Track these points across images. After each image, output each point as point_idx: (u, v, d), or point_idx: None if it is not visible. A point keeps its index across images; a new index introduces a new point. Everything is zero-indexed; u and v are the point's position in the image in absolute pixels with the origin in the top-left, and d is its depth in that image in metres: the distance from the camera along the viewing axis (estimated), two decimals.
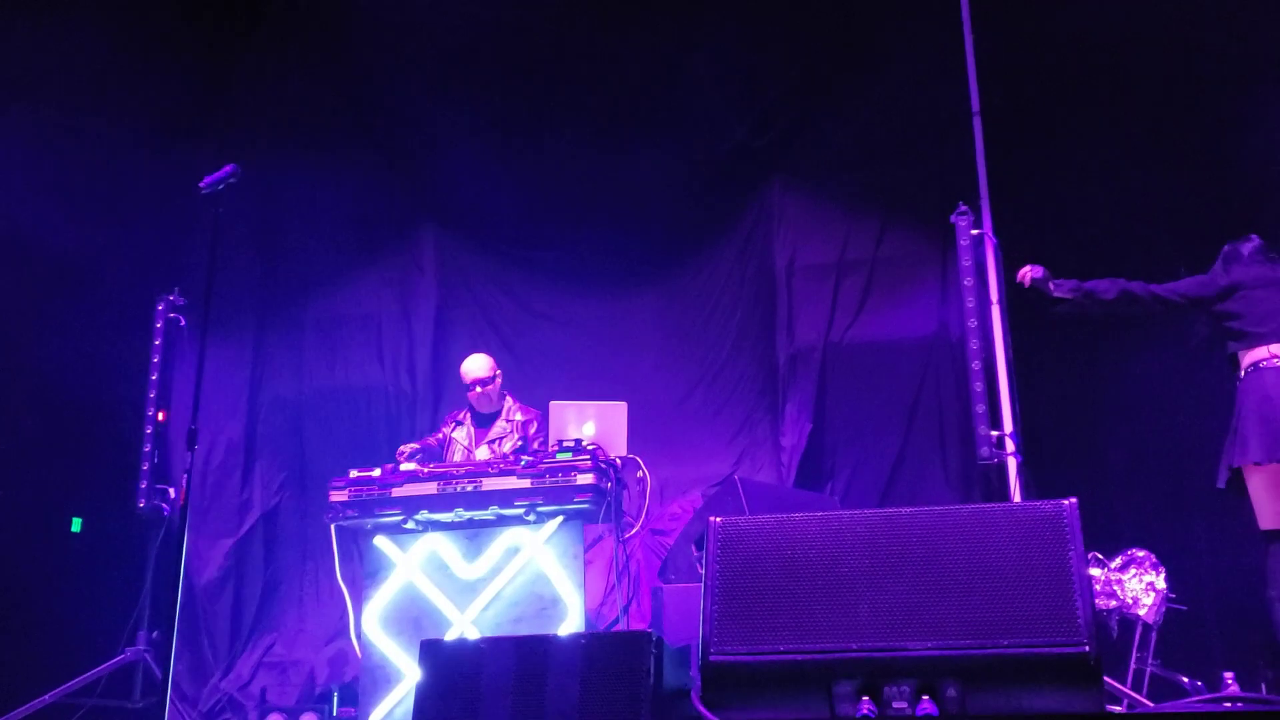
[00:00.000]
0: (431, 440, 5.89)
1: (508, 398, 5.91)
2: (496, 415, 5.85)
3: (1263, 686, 4.87)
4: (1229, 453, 4.25)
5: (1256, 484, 4.15)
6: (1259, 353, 4.26)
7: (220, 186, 4.58)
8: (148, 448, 6.35)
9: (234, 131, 7.53)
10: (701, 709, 3.27)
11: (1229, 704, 4.53)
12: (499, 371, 5.92)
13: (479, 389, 5.81)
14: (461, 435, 5.83)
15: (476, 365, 5.87)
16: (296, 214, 7.71)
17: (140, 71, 7.33)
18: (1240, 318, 4.37)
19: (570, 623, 4.88)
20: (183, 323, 6.51)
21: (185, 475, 4.48)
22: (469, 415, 5.92)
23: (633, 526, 5.30)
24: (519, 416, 5.81)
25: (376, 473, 5.19)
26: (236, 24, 7.65)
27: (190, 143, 7.32)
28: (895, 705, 3.09)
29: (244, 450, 7.50)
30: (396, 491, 5.12)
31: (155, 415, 6.34)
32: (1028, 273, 4.86)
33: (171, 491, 6.41)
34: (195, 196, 4.59)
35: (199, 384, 4.80)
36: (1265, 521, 4.11)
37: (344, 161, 7.67)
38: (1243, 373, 4.30)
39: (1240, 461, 4.16)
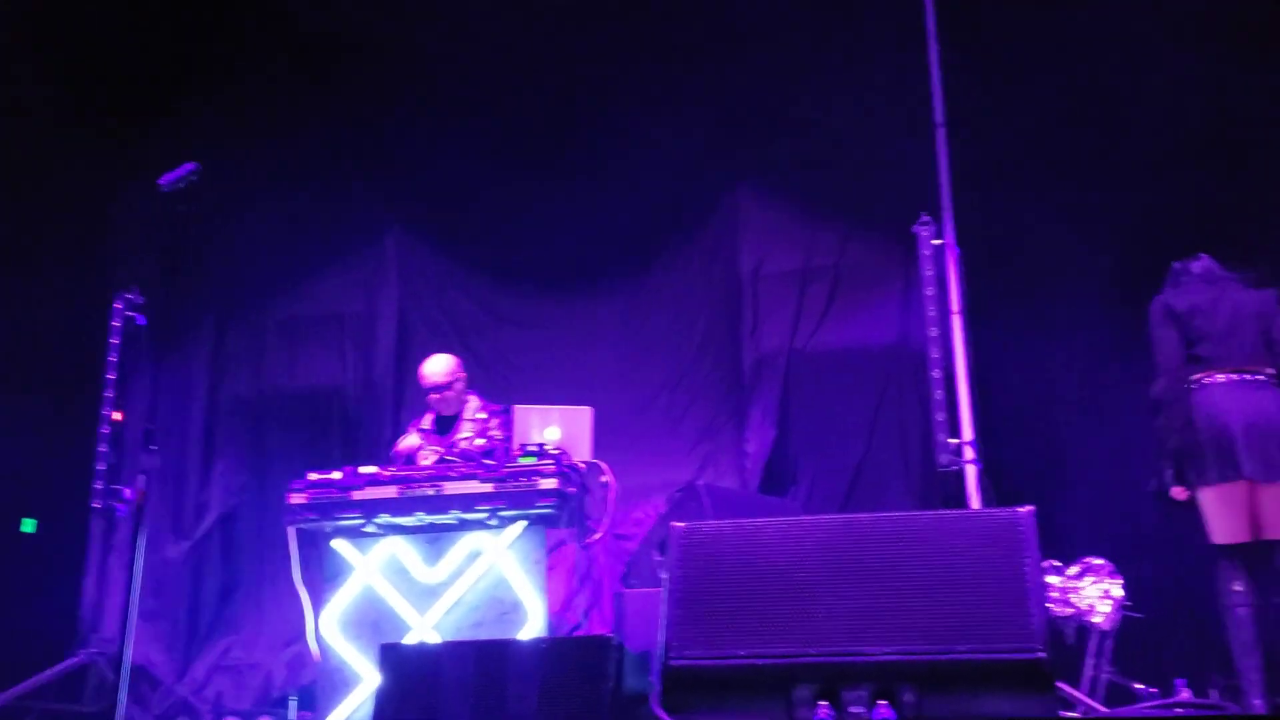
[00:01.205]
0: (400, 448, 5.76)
1: (472, 398, 5.74)
2: (459, 418, 5.69)
3: (1214, 693, 4.94)
4: (1184, 472, 4.29)
5: (1209, 500, 4.20)
6: (1200, 376, 4.29)
7: (181, 184, 4.53)
8: (103, 448, 6.27)
9: (196, 129, 7.45)
10: (661, 713, 3.28)
11: (1180, 710, 4.60)
12: (461, 375, 5.72)
13: (435, 395, 5.65)
14: (417, 441, 5.70)
15: (433, 369, 5.67)
16: (258, 213, 7.63)
17: (100, 64, 7.25)
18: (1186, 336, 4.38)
19: (531, 628, 4.87)
20: (141, 321, 6.44)
21: (142, 476, 4.43)
22: (432, 419, 5.79)
23: (596, 531, 5.29)
24: (482, 415, 5.63)
25: (336, 475, 5.14)
26: (199, 18, 7.58)
27: (151, 138, 7.25)
28: (853, 710, 3.12)
29: (202, 451, 7.42)
30: (356, 494, 5.07)
31: (111, 415, 6.27)
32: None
33: (127, 492, 6.33)
34: (155, 193, 4.53)
35: (157, 384, 4.75)
36: (1217, 537, 4.17)
37: (307, 160, 7.60)
38: (1191, 384, 4.34)
39: (1197, 484, 4.21)
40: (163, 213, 4.57)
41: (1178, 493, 4.40)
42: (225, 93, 7.67)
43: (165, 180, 4.53)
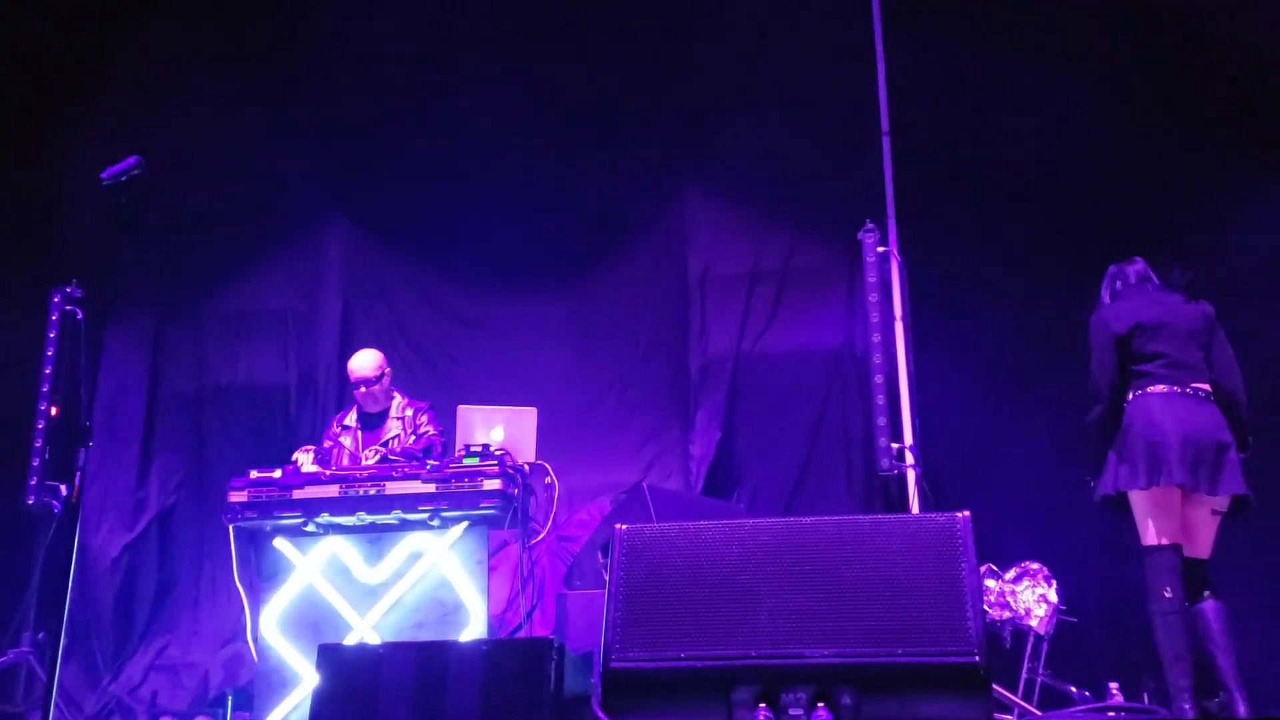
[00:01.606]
0: (326, 444, 5.70)
1: (396, 394, 5.71)
2: (385, 414, 5.65)
3: (1145, 696, 5.04)
4: (1117, 476, 4.37)
5: (1139, 503, 4.29)
6: (1143, 387, 4.37)
7: (123, 178, 4.44)
8: (38, 443, 6.16)
9: (136, 116, 7.33)
10: (601, 715, 3.28)
11: (1112, 713, 4.69)
12: (388, 370, 5.69)
13: (363, 389, 5.60)
14: (348, 440, 5.62)
15: (362, 363, 5.63)
16: (200, 205, 7.52)
17: (35, 50, 7.11)
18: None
19: (473, 629, 4.85)
20: (79, 315, 6.32)
21: (78, 472, 4.34)
22: (356, 415, 5.73)
23: (539, 533, 5.28)
24: (409, 413, 5.60)
25: (277, 474, 5.08)
26: (131, 4, 7.46)
27: (89, 128, 7.11)
28: (792, 712, 3.13)
29: (141, 447, 7.28)
30: (297, 493, 5.02)
31: (47, 410, 6.15)
32: None
33: (63, 489, 6.21)
34: (94, 184, 4.45)
35: (95, 379, 4.66)
36: (1149, 539, 4.26)
37: (250, 151, 7.52)
38: (1130, 395, 4.41)
39: (1128, 487, 4.29)
40: (103, 204, 4.49)
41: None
42: (166, 83, 7.55)
43: (107, 174, 4.44)
